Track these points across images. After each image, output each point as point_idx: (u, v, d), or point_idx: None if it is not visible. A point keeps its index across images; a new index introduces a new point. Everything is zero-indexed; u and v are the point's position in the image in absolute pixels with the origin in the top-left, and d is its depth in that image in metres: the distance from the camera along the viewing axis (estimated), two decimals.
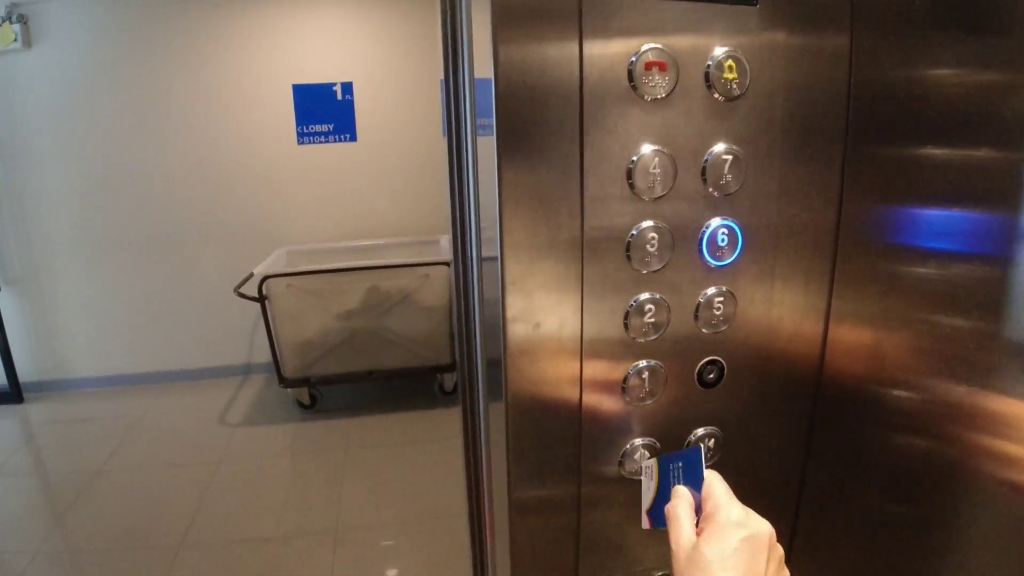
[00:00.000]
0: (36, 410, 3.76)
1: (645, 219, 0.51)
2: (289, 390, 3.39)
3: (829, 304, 0.60)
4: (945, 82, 0.58)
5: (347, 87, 3.72)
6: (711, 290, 0.55)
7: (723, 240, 0.53)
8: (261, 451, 3.17)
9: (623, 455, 0.57)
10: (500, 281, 0.49)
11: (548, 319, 0.51)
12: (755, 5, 0.51)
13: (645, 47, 0.48)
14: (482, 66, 0.49)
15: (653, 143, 0.50)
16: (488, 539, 0.72)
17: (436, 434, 3.25)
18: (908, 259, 0.60)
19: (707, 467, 0.52)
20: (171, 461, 3.07)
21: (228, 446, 3.21)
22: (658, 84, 0.48)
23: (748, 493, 0.60)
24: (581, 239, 0.50)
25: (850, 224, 0.59)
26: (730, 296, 0.55)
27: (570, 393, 0.54)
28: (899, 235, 0.60)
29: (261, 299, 3.13)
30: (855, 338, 0.61)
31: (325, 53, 3.73)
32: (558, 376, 0.54)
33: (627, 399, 0.55)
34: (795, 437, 0.65)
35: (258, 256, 3.70)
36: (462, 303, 0.69)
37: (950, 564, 0.60)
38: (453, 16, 0.57)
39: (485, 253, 0.56)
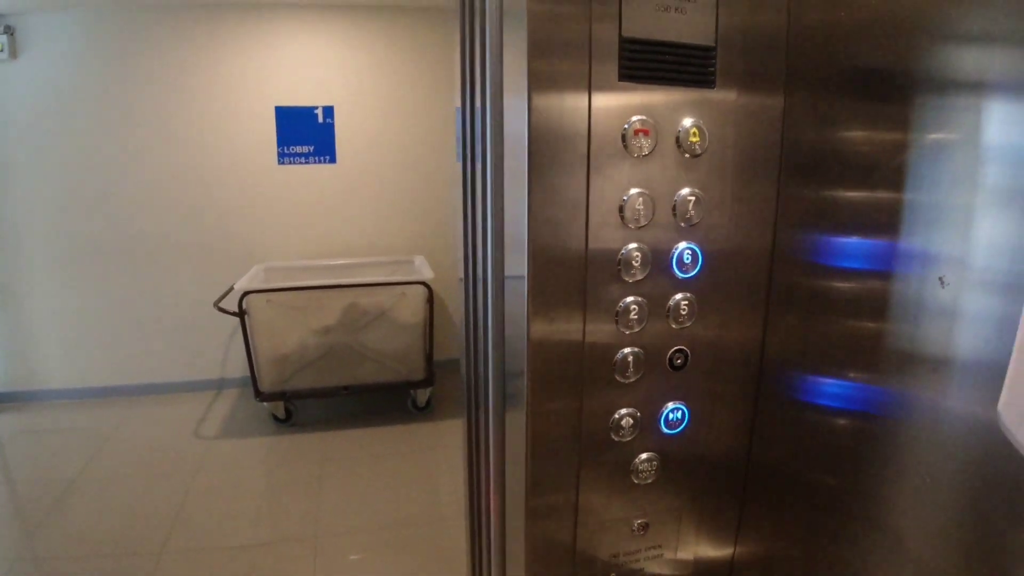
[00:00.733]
0: (6, 420, 3.78)
1: (631, 242, 0.70)
2: (265, 404, 3.49)
3: (767, 308, 0.79)
4: (852, 139, 0.78)
5: (328, 111, 3.88)
6: (679, 296, 0.73)
7: (688, 259, 0.72)
8: (237, 463, 3.26)
9: (611, 425, 0.75)
10: (526, 296, 0.67)
11: (560, 323, 0.69)
12: (713, 88, 0.70)
13: (634, 118, 0.67)
14: (515, 110, 0.68)
15: (638, 187, 0.68)
16: (494, 545, 0.89)
17: (409, 447, 3.39)
18: (825, 274, 0.79)
19: (675, 436, 0.71)
20: (146, 472, 3.13)
21: (203, 458, 3.29)
22: (643, 145, 0.67)
23: (707, 465, 0.80)
24: (585, 258, 0.68)
25: (782, 247, 0.78)
26: (693, 300, 0.74)
27: (574, 377, 0.72)
28: (818, 256, 0.79)
29: (241, 314, 3.24)
30: (786, 334, 0.80)
31: (308, 77, 3.89)
32: (564, 371, 0.72)
33: (616, 378, 0.73)
34: (743, 416, 0.84)
35: (234, 272, 3.81)
36: (471, 318, 0.86)
37: (871, 526, 0.79)
38: (475, 58, 0.75)
39: (509, 272, 0.74)
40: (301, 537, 2.61)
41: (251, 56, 3.89)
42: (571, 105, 0.65)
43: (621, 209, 0.68)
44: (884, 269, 0.77)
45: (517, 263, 0.68)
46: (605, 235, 0.68)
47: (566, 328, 0.69)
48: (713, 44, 0.70)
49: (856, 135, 0.78)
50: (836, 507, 0.86)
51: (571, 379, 0.71)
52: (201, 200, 4.00)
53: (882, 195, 0.78)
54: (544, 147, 0.64)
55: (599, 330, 0.70)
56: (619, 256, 0.69)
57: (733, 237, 0.75)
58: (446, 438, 3.45)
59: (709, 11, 0.69)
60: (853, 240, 0.79)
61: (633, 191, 0.68)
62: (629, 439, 0.75)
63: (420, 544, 2.52)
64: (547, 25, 0.63)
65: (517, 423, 0.74)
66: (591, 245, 0.67)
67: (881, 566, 0.84)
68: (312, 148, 4.01)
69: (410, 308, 3.29)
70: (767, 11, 0.72)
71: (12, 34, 3.71)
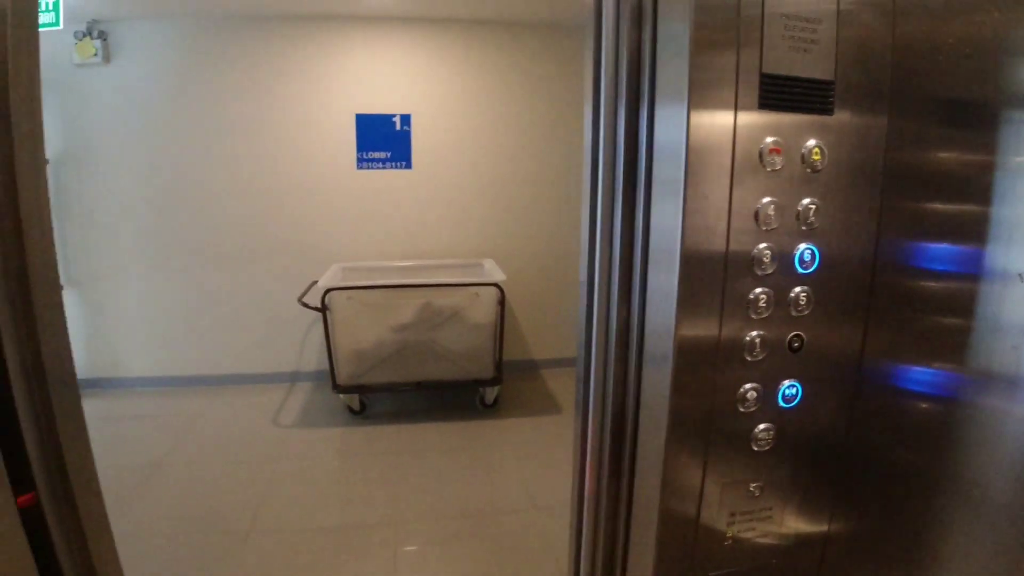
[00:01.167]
0: (90, 405, 4.00)
1: (762, 242, 0.84)
2: (341, 396, 3.67)
3: (869, 302, 0.92)
4: (946, 158, 0.91)
5: (405, 118, 4.08)
6: (798, 288, 0.87)
7: (807, 257, 0.86)
8: (314, 451, 3.44)
9: (738, 397, 0.89)
10: (676, 288, 0.82)
11: (703, 310, 0.84)
12: (832, 115, 0.84)
13: (769, 139, 0.81)
14: (671, 125, 0.82)
15: (770, 196, 0.83)
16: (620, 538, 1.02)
17: (476, 443, 3.53)
18: (919, 275, 0.93)
19: (789, 410, 0.85)
20: (229, 457, 3.32)
21: (283, 445, 3.48)
22: (776, 161, 0.82)
23: (813, 439, 0.93)
24: (726, 255, 0.83)
25: (883, 250, 0.91)
26: (810, 293, 0.87)
27: (710, 355, 0.87)
28: (914, 259, 0.93)
29: (323, 309, 3.44)
30: (884, 326, 0.93)
31: (387, 86, 4.09)
32: (703, 351, 0.86)
33: (745, 357, 0.87)
34: (845, 397, 0.96)
35: (312, 270, 4.01)
36: (595, 320, 0.99)
37: (957, 502, 0.92)
38: (617, 74, 0.90)
39: (659, 268, 0.88)
40: (380, 523, 2.74)
41: (334, 66, 4.11)
42: (720, 124, 0.79)
43: (756, 215, 0.82)
44: (971, 272, 0.90)
45: (668, 260, 0.83)
46: (742, 237, 0.82)
47: (707, 315, 0.84)
48: (832, 79, 0.84)
49: (949, 155, 0.92)
50: (924, 484, 0.99)
51: (708, 358, 0.86)
52: (282, 201, 4.22)
53: (971, 208, 0.91)
54: (697, 159, 0.78)
55: (733, 316, 0.85)
56: (752, 254, 0.83)
57: (844, 240, 0.88)
58: (512, 435, 3.59)
59: (830, 51, 0.83)
60: (944, 246, 0.92)
61: (765, 199, 0.82)
62: (752, 410, 0.89)
63: (493, 534, 2.64)
64: (705, 55, 0.78)
65: (658, 399, 0.89)
66: (731, 246, 0.82)
67: (964, 540, 0.97)
68: (389, 154, 4.22)
69: (482, 309, 3.44)
70: (876, 50, 0.86)
71: (106, 39, 3.96)
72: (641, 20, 0.88)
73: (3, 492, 0.93)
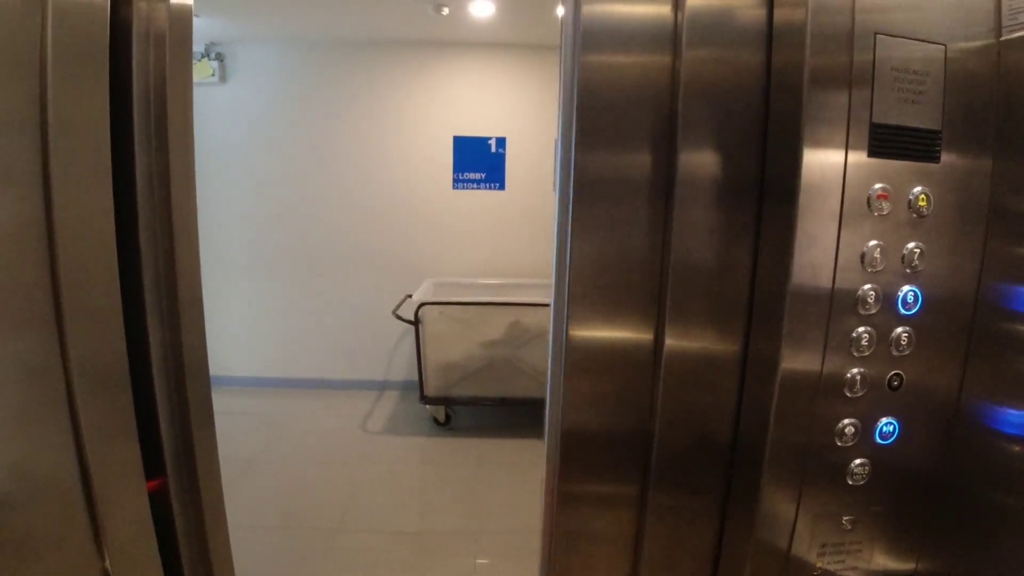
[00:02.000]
0: None
1: (867, 283, 0.87)
2: (427, 407, 3.80)
3: (969, 344, 0.94)
4: None
5: (501, 141, 4.21)
6: (900, 329, 0.90)
7: (910, 299, 0.89)
8: (400, 457, 3.57)
9: (836, 432, 0.93)
10: (784, 323, 0.87)
11: (807, 346, 0.88)
12: (938, 162, 0.88)
13: (877, 185, 0.85)
14: (784, 166, 0.87)
15: (876, 239, 0.86)
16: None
17: None
18: (1020, 319, 0.94)
19: (886, 447, 0.88)
20: (319, 457, 3.48)
21: (370, 449, 3.62)
22: (883, 207, 0.85)
23: (907, 478, 0.95)
24: (831, 294, 0.87)
25: (984, 293, 0.93)
26: (911, 334, 0.90)
27: (811, 390, 0.91)
28: (1016, 303, 0.94)
29: (416, 322, 3.57)
30: (983, 368, 0.95)
31: (484, 110, 4.23)
32: (804, 385, 0.90)
33: (845, 393, 0.91)
34: (942, 437, 0.98)
35: (404, 285, 4.18)
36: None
37: None
38: None
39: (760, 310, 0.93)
40: (457, 532, 2.83)
41: (434, 89, 4.29)
42: (831, 170, 0.84)
43: (862, 257, 0.86)
44: None
45: (776, 296, 0.88)
46: (848, 276, 0.86)
47: (811, 350, 0.88)
48: (939, 128, 0.87)
49: None
50: (1018, 529, 0.99)
51: (809, 392, 0.90)
52: (381, 216, 4.42)
53: None
54: (808, 200, 0.83)
55: (835, 353, 0.88)
56: (857, 294, 0.87)
57: (947, 283, 0.91)
58: None
59: (937, 101, 0.87)
60: None
61: (872, 243, 0.86)
62: (849, 445, 0.92)
63: None
64: (818, 104, 0.83)
65: (759, 426, 0.93)
66: (837, 285, 0.86)
67: None
68: (484, 175, 4.36)
69: None
70: (981, 96, 0.89)
71: (222, 61, 4.26)
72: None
73: (137, 477, 1.04)
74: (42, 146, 0.81)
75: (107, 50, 0.90)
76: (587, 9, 0.91)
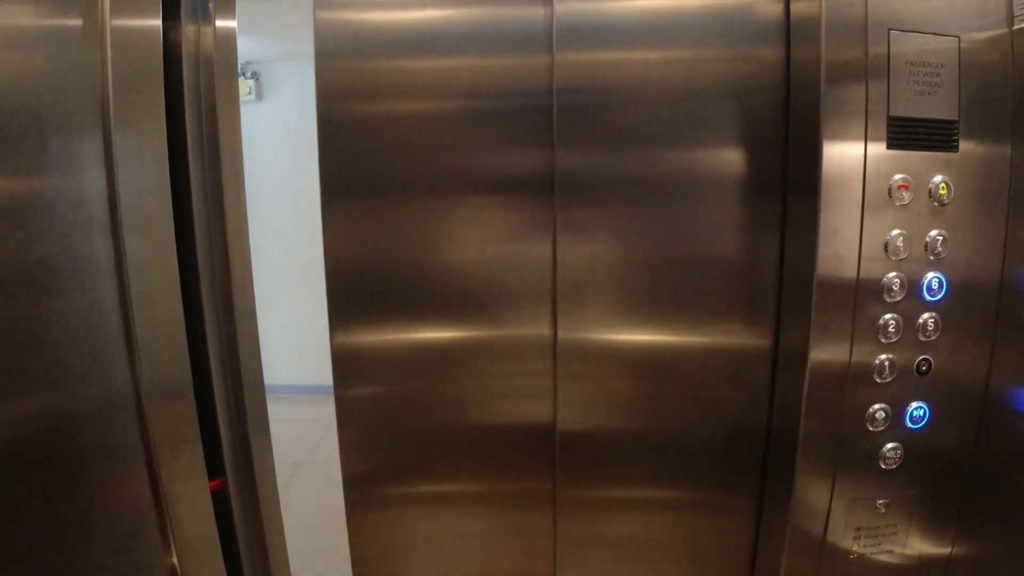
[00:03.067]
0: None
1: (891, 271, 0.90)
2: None
3: (995, 327, 0.96)
4: None
5: None
6: (926, 315, 0.92)
7: (935, 285, 0.91)
8: None
9: (867, 417, 0.95)
10: (812, 312, 0.89)
11: (834, 333, 0.91)
12: (957, 151, 0.90)
13: (897, 176, 0.88)
14: (805, 160, 0.90)
15: (898, 228, 0.89)
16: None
17: None
18: None
19: (917, 431, 0.91)
20: None
21: None
22: (904, 196, 0.88)
23: (939, 461, 0.98)
24: (856, 283, 0.90)
25: (1008, 278, 0.95)
26: (938, 319, 0.92)
27: (840, 376, 0.93)
28: None
29: None
30: (1010, 352, 0.97)
31: None
32: (834, 372, 0.93)
33: (875, 379, 0.93)
34: (971, 421, 1.00)
35: None
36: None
37: None
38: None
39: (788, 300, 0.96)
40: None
41: None
42: (851, 164, 0.87)
43: (885, 246, 0.89)
44: None
45: (803, 287, 0.91)
46: (872, 266, 0.89)
47: (838, 338, 0.90)
48: (956, 118, 0.90)
49: None
50: None
51: (838, 379, 0.92)
52: None
53: None
54: (830, 192, 0.86)
55: (863, 340, 0.91)
56: (882, 282, 0.90)
57: (971, 269, 0.93)
58: None
59: (953, 93, 0.89)
60: None
61: (894, 232, 0.89)
62: (880, 430, 0.95)
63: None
64: (835, 100, 0.86)
65: (791, 415, 0.96)
66: (862, 274, 0.89)
67: None
68: None
69: None
70: (997, 85, 0.91)
71: (258, 79, 4.33)
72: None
73: (200, 477, 1.09)
74: (107, 174, 0.86)
75: (162, 74, 0.95)
76: None
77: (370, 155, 1.00)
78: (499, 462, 1.11)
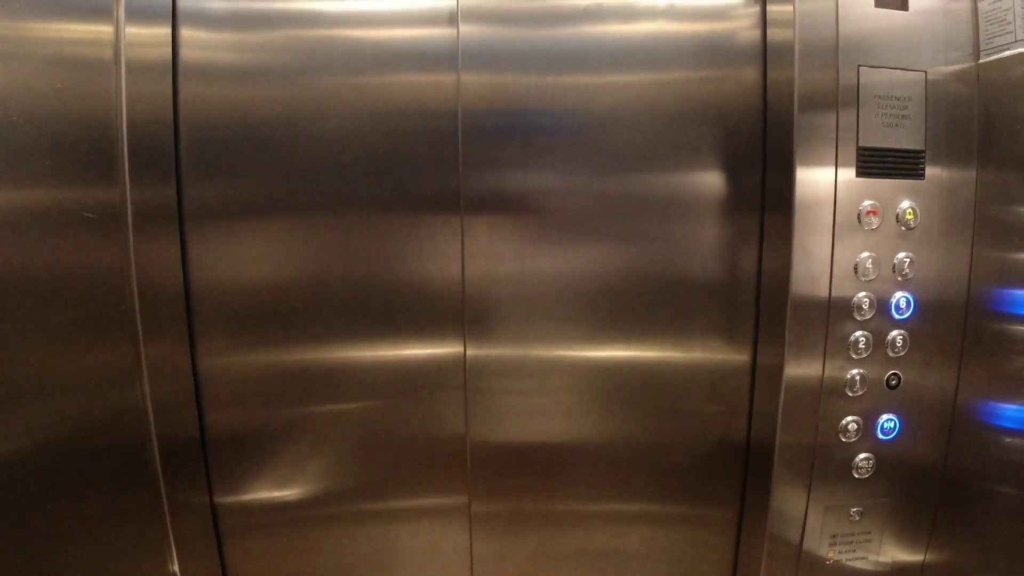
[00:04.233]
0: None
1: (861, 291, 0.96)
2: None
3: (963, 344, 1.02)
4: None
5: None
6: (895, 332, 0.98)
7: (903, 304, 0.97)
8: None
9: (840, 429, 1.01)
10: (787, 330, 0.95)
11: (808, 350, 0.97)
12: (923, 179, 0.96)
13: (866, 202, 0.94)
14: (779, 184, 0.96)
15: (868, 251, 0.95)
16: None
17: None
18: (1007, 320, 1.01)
19: (888, 442, 0.96)
20: None
21: None
22: (872, 221, 0.94)
23: (910, 470, 1.03)
24: (828, 302, 0.95)
25: (974, 297, 1.01)
26: (906, 336, 0.98)
27: (814, 390, 0.99)
28: (1002, 305, 1.01)
29: None
30: (977, 366, 1.02)
31: None
32: (809, 385, 0.99)
33: (847, 392, 0.99)
34: (941, 432, 1.05)
35: None
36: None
37: None
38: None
39: (765, 319, 1.02)
40: None
41: None
42: (823, 189, 0.93)
43: (855, 267, 0.95)
44: None
45: (779, 306, 0.97)
46: (843, 285, 0.95)
47: (811, 354, 0.96)
48: (923, 148, 0.96)
49: None
50: (1020, 520, 1.06)
51: (812, 392, 0.98)
52: None
53: None
54: (803, 215, 0.92)
55: (835, 355, 0.97)
56: (852, 301, 0.96)
57: (938, 288, 0.99)
58: None
59: (919, 124, 0.96)
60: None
61: (864, 254, 0.95)
62: (853, 440, 1.00)
63: None
64: (808, 130, 0.92)
65: (769, 428, 1.01)
66: (833, 293, 0.94)
67: None
68: None
69: None
70: (963, 116, 0.97)
71: None
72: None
73: (201, 487, 1.14)
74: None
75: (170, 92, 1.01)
76: None
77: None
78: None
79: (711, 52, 1.01)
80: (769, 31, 0.99)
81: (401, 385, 1.07)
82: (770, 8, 0.99)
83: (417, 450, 1.09)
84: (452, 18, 0.99)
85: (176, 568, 1.07)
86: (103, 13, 0.93)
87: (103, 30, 0.94)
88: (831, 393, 0.98)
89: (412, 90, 1.00)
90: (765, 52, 0.99)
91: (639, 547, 1.17)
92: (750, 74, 1.01)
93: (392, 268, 1.02)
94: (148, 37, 0.93)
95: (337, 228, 1.00)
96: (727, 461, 1.10)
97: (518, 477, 1.11)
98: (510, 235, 1.03)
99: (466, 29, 0.99)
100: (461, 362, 1.06)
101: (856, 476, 1.02)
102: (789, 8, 0.94)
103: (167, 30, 0.94)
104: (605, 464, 1.11)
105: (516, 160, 1.01)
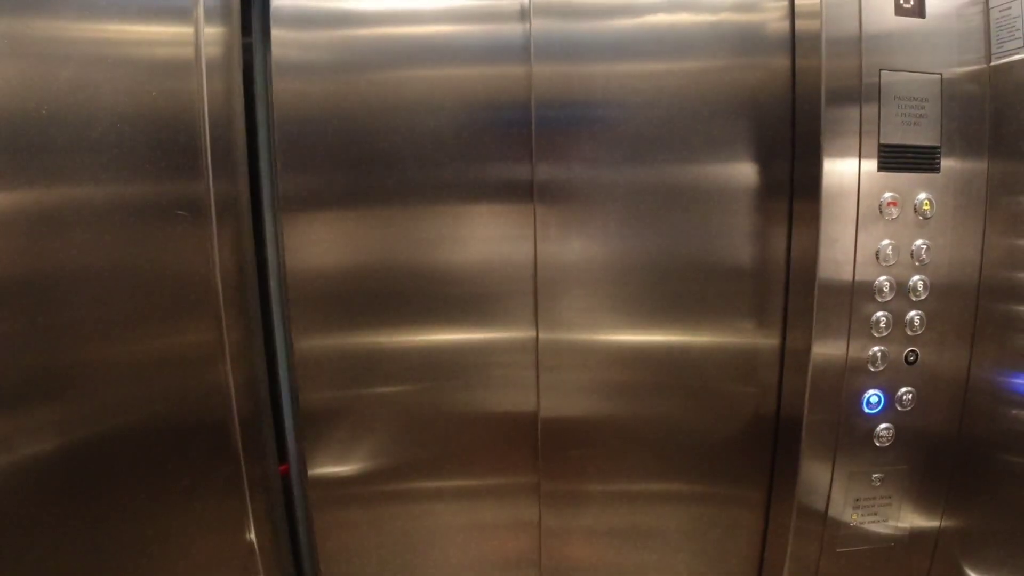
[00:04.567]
0: None
1: (882, 275, 1.05)
2: None
3: (975, 321, 1.11)
4: None
5: None
6: (913, 312, 1.07)
7: (920, 287, 1.06)
8: None
9: (863, 400, 1.10)
10: (815, 311, 1.05)
11: (833, 329, 1.06)
12: (939, 172, 1.05)
13: (887, 194, 1.03)
14: (807, 175, 1.06)
15: (888, 239, 1.04)
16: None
17: None
18: (1017, 301, 1.10)
19: (906, 412, 1.06)
20: None
21: None
22: (892, 212, 1.03)
23: (927, 439, 1.12)
24: (852, 285, 1.05)
25: (986, 281, 1.10)
26: (923, 316, 1.07)
27: (840, 366, 1.09)
28: (1012, 288, 1.10)
29: None
30: (990, 341, 1.11)
31: None
32: (835, 362, 1.08)
33: (869, 368, 1.08)
34: (957, 403, 1.15)
35: None
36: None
37: None
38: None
39: (794, 301, 1.11)
40: None
41: None
42: (847, 181, 1.02)
43: (877, 253, 1.04)
44: None
45: (807, 289, 1.06)
46: (866, 270, 1.04)
47: (837, 333, 1.06)
48: (939, 144, 1.05)
49: None
50: None
51: (838, 368, 1.08)
52: None
53: None
54: (829, 205, 1.02)
55: (859, 334, 1.06)
56: (874, 285, 1.05)
57: (952, 273, 1.08)
58: None
59: (935, 122, 1.05)
60: None
61: (884, 241, 1.04)
62: (875, 412, 1.10)
63: None
64: (834, 124, 1.01)
65: (798, 403, 1.11)
66: (857, 277, 1.04)
67: None
68: None
69: None
70: (975, 112, 1.06)
71: None
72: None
73: (273, 463, 1.23)
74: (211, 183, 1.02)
75: (241, 89, 1.09)
76: None
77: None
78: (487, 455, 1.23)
79: (755, 42, 1.11)
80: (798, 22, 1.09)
81: (474, 365, 1.16)
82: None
83: (490, 427, 1.19)
84: (524, 14, 1.08)
85: (253, 537, 1.17)
86: (185, 15, 1.00)
87: (185, 32, 1.01)
88: (854, 369, 1.07)
89: (487, 82, 1.09)
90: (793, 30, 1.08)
91: (669, 523, 1.28)
92: (781, 63, 1.10)
93: (465, 253, 1.12)
94: (220, 36, 1.02)
95: (417, 217, 1.10)
96: (759, 437, 1.20)
97: (582, 449, 1.21)
98: (577, 222, 1.12)
99: (537, 23, 1.08)
100: (533, 343, 1.16)
101: (877, 444, 1.11)
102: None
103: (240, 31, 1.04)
104: (648, 444, 1.21)
105: (584, 149, 1.10)
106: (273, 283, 1.15)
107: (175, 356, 1.05)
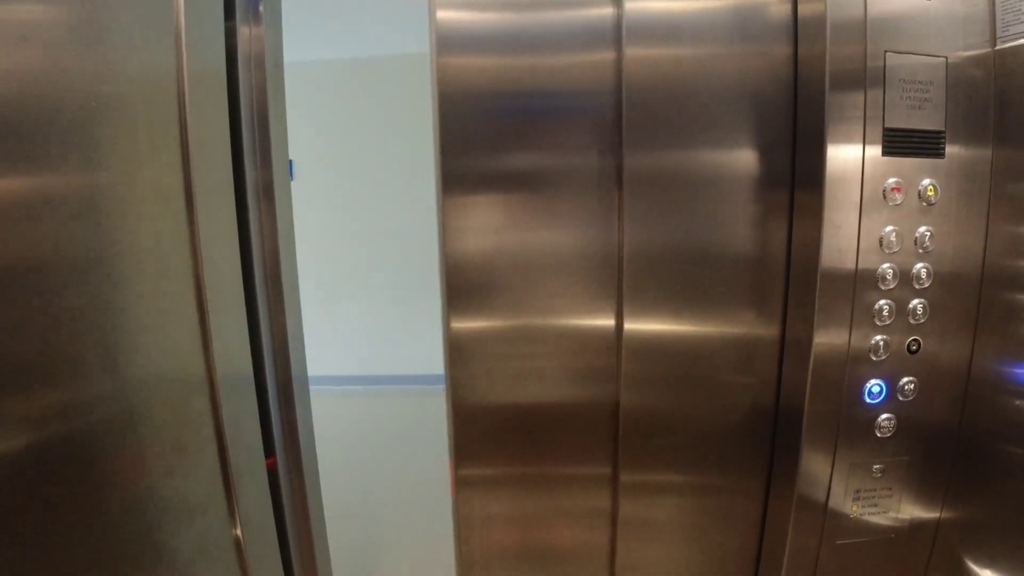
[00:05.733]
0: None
1: (885, 263, 1.03)
2: None
3: (978, 311, 1.09)
4: None
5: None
6: (915, 300, 1.05)
7: (923, 275, 1.04)
8: None
9: (865, 390, 1.08)
10: (816, 300, 1.03)
11: (837, 318, 1.04)
12: (943, 158, 1.03)
13: (891, 180, 1.01)
14: (811, 157, 1.04)
15: (892, 225, 1.02)
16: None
17: None
18: (1016, 288, 1.08)
19: (908, 403, 1.04)
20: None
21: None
22: (896, 198, 1.01)
23: (928, 430, 1.10)
24: (855, 273, 1.03)
25: (989, 269, 1.08)
26: (926, 304, 1.05)
27: (842, 355, 1.06)
28: (1016, 276, 1.08)
29: None
30: (992, 332, 1.10)
31: None
32: (836, 350, 1.06)
33: (871, 357, 1.06)
34: (958, 393, 1.13)
35: None
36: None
37: None
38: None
39: (795, 290, 1.09)
40: None
41: None
42: (851, 167, 1.00)
43: (880, 240, 1.02)
44: None
45: (808, 276, 1.04)
46: (869, 258, 1.02)
47: (839, 322, 1.04)
48: (943, 128, 1.02)
49: None
50: None
51: (839, 358, 1.05)
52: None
53: None
54: (832, 190, 0.99)
55: (861, 323, 1.04)
56: (877, 273, 1.03)
57: (955, 260, 1.06)
58: None
59: (940, 106, 1.02)
60: None
61: (888, 228, 1.02)
62: (876, 402, 1.08)
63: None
64: (838, 109, 0.99)
65: (799, 393, 1.09)
66: (860, 265, 1.02)
67: None
68: None
69: None
70: (980, 98, 1.04)
71: None
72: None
73: (258, 457, 1.21)
74: (184, 170, 0.99)
75: (224, 74, 1.06)
76: None
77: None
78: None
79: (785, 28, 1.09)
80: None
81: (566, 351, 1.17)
82: None
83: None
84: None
85: (239, 532, 1.15)
86: None
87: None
88: (856, 358, 1.05)
89: (582, 68, 1.10)
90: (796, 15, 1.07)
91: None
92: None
93: (557, 239, 1.14)
94: None
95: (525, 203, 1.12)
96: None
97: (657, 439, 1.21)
98: (654, 208, 1.12)
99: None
100: (616, 331, 1.16)
101: (878, 435, 1.09)
102: None
103: None
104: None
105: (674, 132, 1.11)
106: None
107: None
